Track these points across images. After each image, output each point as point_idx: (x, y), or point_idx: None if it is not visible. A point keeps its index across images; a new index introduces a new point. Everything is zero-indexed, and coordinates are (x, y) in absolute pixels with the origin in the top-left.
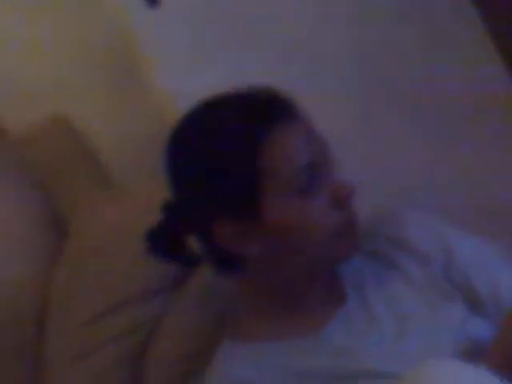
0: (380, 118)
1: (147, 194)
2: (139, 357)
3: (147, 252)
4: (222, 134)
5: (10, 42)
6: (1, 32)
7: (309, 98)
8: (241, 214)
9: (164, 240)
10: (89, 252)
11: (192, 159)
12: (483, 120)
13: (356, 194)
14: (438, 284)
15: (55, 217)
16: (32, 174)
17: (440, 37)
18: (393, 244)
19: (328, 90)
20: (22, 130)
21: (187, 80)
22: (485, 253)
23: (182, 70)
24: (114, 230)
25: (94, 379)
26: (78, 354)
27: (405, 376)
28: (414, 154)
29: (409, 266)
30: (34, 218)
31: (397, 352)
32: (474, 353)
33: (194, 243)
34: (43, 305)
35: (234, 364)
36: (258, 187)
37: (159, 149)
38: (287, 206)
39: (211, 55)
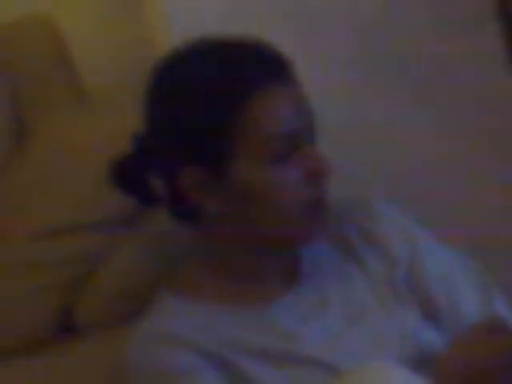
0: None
1: (120, 118)
2: (76, 285)
3: (110, 180)
4: (204, 85)
5: None
6: None
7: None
8: (209, 167)
9: (129, 173)
10: (52, 167)
11: (171, 102)
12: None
13: (331, 173)
14: (398, 287)
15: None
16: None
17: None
18: (362, 236)
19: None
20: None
21: (189, 9)
22: (453, 268)
23: None
24: (81, 149)
25: (31, 292)
26: (19, 264)
27: (343, 374)
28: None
29: (373, 262)
30: None
31: (340, 344)
32: (420, 362)
33: (156, 184)
34: None
35: (171, 319)
36: (231, 146)
37: (142, 75)
38: (257, 172)
39: None
